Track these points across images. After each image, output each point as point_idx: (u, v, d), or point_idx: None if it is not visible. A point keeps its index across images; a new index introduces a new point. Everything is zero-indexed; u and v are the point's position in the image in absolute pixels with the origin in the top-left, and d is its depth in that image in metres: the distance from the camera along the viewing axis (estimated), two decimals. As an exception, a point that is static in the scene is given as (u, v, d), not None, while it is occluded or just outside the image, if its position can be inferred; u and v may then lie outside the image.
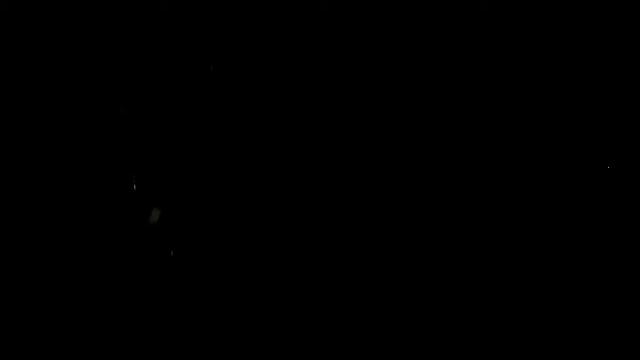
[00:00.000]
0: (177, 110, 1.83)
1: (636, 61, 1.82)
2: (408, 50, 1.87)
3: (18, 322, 1.69)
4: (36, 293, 1.71)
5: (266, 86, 1.85)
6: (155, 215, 1.75)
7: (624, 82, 1.83)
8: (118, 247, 1.75)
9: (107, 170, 1.79)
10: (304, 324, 1.72)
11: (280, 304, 1.74)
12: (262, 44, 1.87)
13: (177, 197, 1.78)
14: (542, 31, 1.84)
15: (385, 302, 1.74)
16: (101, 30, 1.86)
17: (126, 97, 1.83)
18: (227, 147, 1.82)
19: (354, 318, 1.73)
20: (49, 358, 1.67)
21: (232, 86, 1.84)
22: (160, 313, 1.72)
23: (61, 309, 1.71)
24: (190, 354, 1.70)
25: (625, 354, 1.66)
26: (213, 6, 1.87)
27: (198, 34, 1.86)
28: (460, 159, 1.83)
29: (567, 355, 1.68)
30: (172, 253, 1.74)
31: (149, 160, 1.80)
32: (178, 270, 1.75)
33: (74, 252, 1.75)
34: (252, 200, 1.81)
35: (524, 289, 1.74)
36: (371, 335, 1.71)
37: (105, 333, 1.69)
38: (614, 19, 1.83)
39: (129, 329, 1.70)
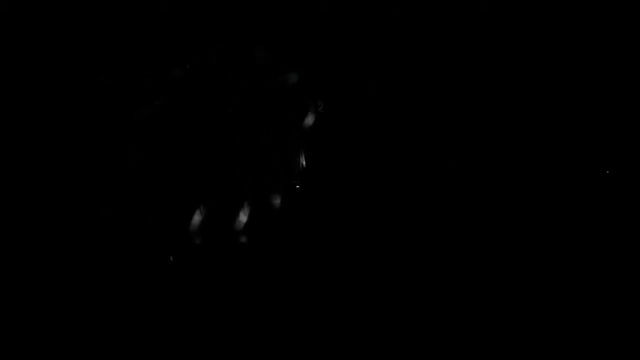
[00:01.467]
0: (178, 110, 1.83)
1: (636, 61, 1.82)
2: (408, 49, 1.87)
3: (17, 322, 1.69)
4: (34, 294, 1.72)
5: (266, 86, 1.85)
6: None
7: (624, 83, 1.83)
8: (117, 248, 1.75)
9: (107, 170, 1.79)
10: (306, 325, 1.73)
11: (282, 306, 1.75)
12: (262, 43, 1.87)
13: (179, 198, 1.79)
14: (542, 31, 1.84)
15: (385, 303, 1.74)
16: (102, 30, 1.86)
17: (126, 96, 1.83)
18: (228, 147, 1.82)
19: (356, 318, 1.73)
20: (49, 358, 1.68)
21: (233, 86, 1.84)
22: (159, 317, 1.72)
23: (59, 310, 1.71)
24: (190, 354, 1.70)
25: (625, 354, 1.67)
26: (213, 6, 1.87)
27: (198, 34, 1.87)
28: (460, 159, 1.83)
29: (567, 356, 1.68)
30: (171, 258, 1.75)
31: (149, 160, 1.80)
32: (177, 274, 1.75)
33: (72, 253, 1.75)
34: (252, 201, 1.81)
35: (524, 290, 1.74)
36: (373, 335, 1.71)
37: (103, 335, 1.69)
38: (614, 19, 1.83)
39: (126, 332, 1.70)
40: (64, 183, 1.78)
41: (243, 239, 1.77)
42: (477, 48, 1.86)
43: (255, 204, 1.78)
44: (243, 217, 1.78)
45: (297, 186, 1.80)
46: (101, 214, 1.76)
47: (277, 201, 1.79)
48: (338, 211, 1.81)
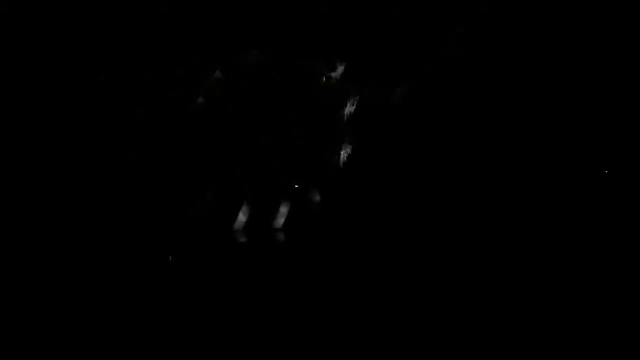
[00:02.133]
0: (177, 110, 1.83)
1: (636, 61, 1.82)
2: (408, 49, 1.87)
3: (17, 321, 1.69)
4: (35, 293, 1.72)
5: (267, 86, 1.85)
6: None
7: (623, 83, 1.83)
8: (117, 248, 1.75)
9: (107, 170, 1.79)
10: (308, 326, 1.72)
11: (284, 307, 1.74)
12: (262, 43, 1.87)
13: (179, 198, 1.79)
14: (542, 31, 1.84)
15: (386, 303, 1.74)
16: (102, 30, 1.86)
17: (126, 96, 1.83)
18: (227, 147, 1.82)
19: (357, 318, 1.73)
20: (49, 358, 1.68)
21: (233, 86, 1.85)
22: (159, 316, 1.72)
23: (59, 309, 1.71)
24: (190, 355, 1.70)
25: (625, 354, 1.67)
26: (212, 7, 1.87)
27: (198, 34, 1.87)
28: (460, 159, 1.83)
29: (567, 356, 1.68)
30: (170, 258, 1.75)
31: (149, 160, 1.80)
32: (177, 274, 1.75)
33: (72, 252, 1.75)
34: (252, 201, 1.81)
35: (524, 290, 1.74)
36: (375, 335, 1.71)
37: (104, 334, 1.69)
38: (614, 19, 1.83)
39: (127, 331, 1.70)
40: (64, 183, 1.78)
41: (242, 239, 1.77)
42: (477, 48, 1.86)
43: (254, 204, 1.78)
44: (242, 217, 1.78)
45: (297, 185, 1.81)
46: (101, 214, 1.76)
47: (277, 201, 1.80)
48: (338, 210, 1.81)
